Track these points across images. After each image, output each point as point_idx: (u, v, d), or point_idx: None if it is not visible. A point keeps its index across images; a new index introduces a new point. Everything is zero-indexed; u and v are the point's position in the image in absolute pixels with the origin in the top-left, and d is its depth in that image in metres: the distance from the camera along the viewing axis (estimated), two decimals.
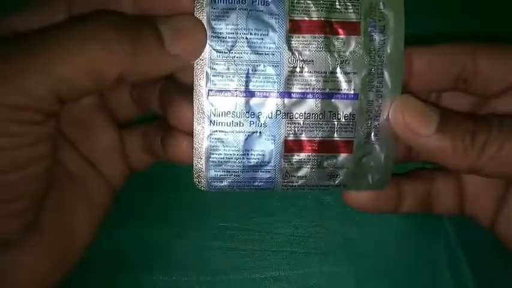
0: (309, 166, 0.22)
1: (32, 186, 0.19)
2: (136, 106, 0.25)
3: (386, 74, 0.21)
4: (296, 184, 0.22)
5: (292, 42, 0.21)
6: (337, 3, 0.21)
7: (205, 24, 0.20)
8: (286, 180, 0.22)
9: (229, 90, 0.21)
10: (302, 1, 0.21)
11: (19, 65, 0.17)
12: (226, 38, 0.20)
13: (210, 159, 0.21)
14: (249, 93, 0.21)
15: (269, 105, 0.21)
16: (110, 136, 0.24)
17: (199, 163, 0.21)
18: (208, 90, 0.21)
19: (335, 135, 0.21)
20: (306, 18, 0.21)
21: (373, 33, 0.21)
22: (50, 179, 0.20)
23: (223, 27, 0.20)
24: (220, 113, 0.21)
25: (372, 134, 0.21)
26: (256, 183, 0.22)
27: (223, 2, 0.20)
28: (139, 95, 0.24)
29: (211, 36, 0.20)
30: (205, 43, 0.20)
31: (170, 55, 0.19)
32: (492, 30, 0.28)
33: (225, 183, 0.22)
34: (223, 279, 0.28)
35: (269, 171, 0.22)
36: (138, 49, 0.19)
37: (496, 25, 0.28)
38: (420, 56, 0.21)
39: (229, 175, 0.21)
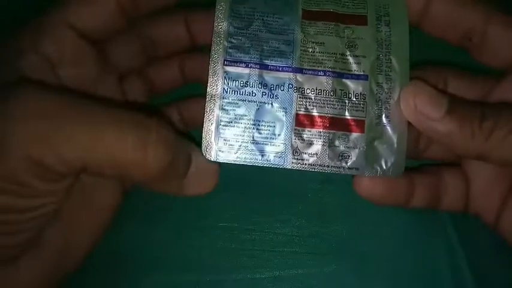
0: (320, 143, 0.22)
1: (39, 222, 0.20)
2: (145, 92, 0.26)
3: (394, 61, 0.22)
4: (307, 162, 0.22)
5: (305, 26, 0.22)
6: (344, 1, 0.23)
7: (227, 5, 0.22)
8: (296, 157, 0.22)
9: (244, 62, 0.22)
10: None
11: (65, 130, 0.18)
12: (244, 17, 0.22)
13: (220, 127, 0.21)
14: (263, 66, 0.22)
15: (282, 79, 0.22)
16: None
17: (209, 133, 0.21)
18: (224, 60, 0.22)
19: (346, 113, 0.22)
20: (318, 10, 0.22)
21: (379, 26, 0.22)
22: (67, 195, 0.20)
23: (242, 10, 0.22)
24: (234, 83, 0.21)
25: (384, 115, 0.22)
26: (265, 157, 0.22)
27: None
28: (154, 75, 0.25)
29: (231, 15, 0.22)
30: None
31: (182, 188, 0.21)
32: None
33: (233, 154, 0.22)
34: (223, 279, 0.28)
35: (279, 146, 0.21)
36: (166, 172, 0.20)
37: None
38: (439, 1, 0.22)
39: (239, 146, 0.21)
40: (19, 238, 0.19)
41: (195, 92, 0.27)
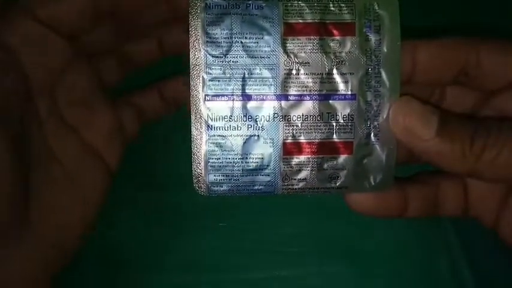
0: (308, 168, 0.22)
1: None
2: (121, 69, 0.25)
3: (383, 74, 0.21)
4: (296, 187, 0.22)
5: (288, 44, 0.21)
6: (331, 4, 0.21)
7: (200, 30, 0.20)
8: (286, 183, 0.22)
9: (225, 95, 0.21)
10: (296, 4, 0.21)
11: None
12: (221, 42, 0.20)
13: (209, 164, 0.21)
14: (246, 97, 0.21)
15: (266, 108, 0.21)
16: (108, 113, 0.24)
17: (199, 168, 0.21)
18: (205, 95, 0.21)
19: (334, 136, 0.21)
20: (300, 21, 0.21)
21: (368, 34, 0.21)
22: (44, 169, 0.20)
23: (218, 32, 0.20)
24: (218, 118, 0.21)
25: (372, 134, 0.21)
26: (256, 187, 0.22)
27: (218, 8, 0.20)
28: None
29: (207, 41, 0.20)
30: None
31: None
32: (493, 23, 0.28)
33: (224, 187, 0.22)
34: (223, 279, 0.28)
35: (269, 175, 0.21)
36: None
37: (498, 18, 0.28)
38: (424, 49, 0.21)
39: (229, 179, 0.21)
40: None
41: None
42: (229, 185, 0.22)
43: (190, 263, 0.28)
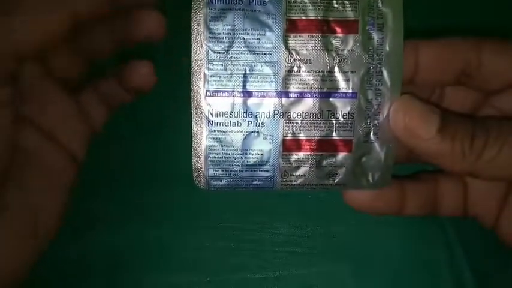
0: (307, 165, 0.22)
1: None
2: (78, 63, 0.24)
3: (385, 73, 0.21)
4: (295, 183, 0.22)
5: (290, 41, 0.21)
6: (334, 1, 0.21)
7: (202, 25, 0.20)
8: (285, 179, 0.22)
9: (226, 91, 0.21)
10: (299, 0, 0.21)
11: None
12: (223, 38, 0.20)
13: (209, 158, 0.21)
14: (247, 93, 0.21)
15: (267, 105, 0.21)
16: (63, 100, 0.23)
17: (199, 162, 0.21)
18: (206, 90, 0.21)
19: (334, 134, 0.21)
20: (303, 18, 0.21)
21: (371, 31, 0.21)
22: (10, 155, 0.20)
23: (221, 28, 0.20)
24: (218, 113, 0.21)
25: (371, 133, 0.21)
26: (256, 182, 0.22)
27: (220, 3, 0.20)
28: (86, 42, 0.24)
29: (209, 37, 0.20)
30: None
31: None
32: (495, 23, 0.28)
33: (224, 182, 0.22)
34: (223, 279, 0.28)
35: (268, 171, 0.22)
36: None
37: (499, 18, 0.28)
38: (427, 49, 0.21)
39: (228, 174, 0.21)
40: None
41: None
42: (229, 179, 0.22)
43: (190, 263, 0.28)
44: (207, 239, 0.28)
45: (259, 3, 0.21)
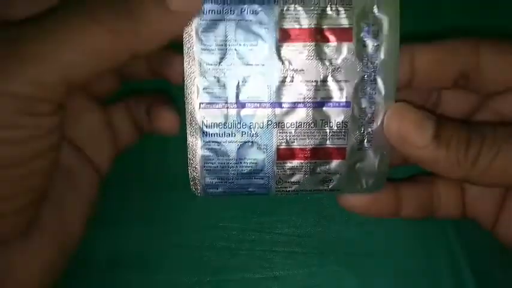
0: (302, 172, 0.22)
1: (35, 182, 0.19)
2: (115, 79, 0.25)
3: (379, 81, 0.21)
4: (290, 189, 0.22)
5: (282, 51, 0.20)
6: (328, 8, 0.20)
7: (194, 37, 0.20)
8: (279, 186, 0.22)
9: (220, 102, 0.21)
10: (292, 8, 0.20)
11: (28, 51, 0.17)
12: (215, 50, 0.20)
13: (205, 168, 0.21)
14: (240, 105, 0.21)
15: (260, 116, 0.21)
16: (95, 116, 0.24)
17: (195, 172, 0.21)
18: (200, 103, 0.21)
19: (327, 142, 0.21)
20: (297, 27, 0.20)
21: (366, 39, 0.20)
22: (53, 173, 0.20)
23: (212, 39, 0.20)
24: (212, 125, 0.21)
25: (365, 140, 0.21)
26: (251, 189, 0.22)
27: (212, 13, 0.20)
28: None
29: (201, 49, 0.20)
30: None
31: (171, 13, 0.18)
32: (494, 25, 0.28)
33: (220, 189, 0.22)
34: (223, 279, 0.28)
35: (262, 178, 0.22)
36: (136, 17, 0.18)
37: (498, 19, 0.28)
38: (423, 53, 0.21)
39: (224, 182, 0.22)
40: (16, 204, 0.18)
41: None
42: (225, 187, 0.22)
43: (190, 263, 0.28)
44: (206, 239, 0.28)
45: (251, 12, 0.20)
